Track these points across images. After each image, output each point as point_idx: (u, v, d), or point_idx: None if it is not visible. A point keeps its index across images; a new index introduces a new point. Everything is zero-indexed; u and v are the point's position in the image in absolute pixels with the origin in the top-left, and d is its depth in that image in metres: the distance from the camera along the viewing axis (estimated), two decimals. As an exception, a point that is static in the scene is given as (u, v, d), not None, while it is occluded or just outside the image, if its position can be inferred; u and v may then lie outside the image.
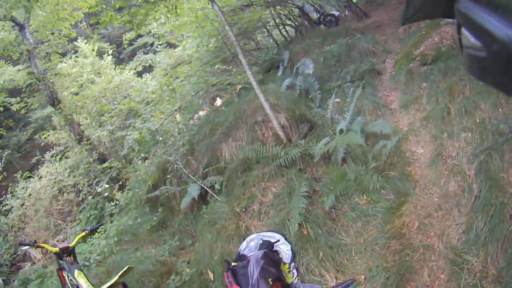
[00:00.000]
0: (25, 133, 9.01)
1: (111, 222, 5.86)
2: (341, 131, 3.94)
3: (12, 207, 7.56)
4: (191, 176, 4.89)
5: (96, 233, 5.25)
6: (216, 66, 10.05)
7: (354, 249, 3.01)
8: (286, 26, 11.26)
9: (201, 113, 9.91)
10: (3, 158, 8.09)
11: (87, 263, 4.31)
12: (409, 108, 4.71)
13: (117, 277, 2.49)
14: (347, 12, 11.64)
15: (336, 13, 10.42)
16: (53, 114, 8.59)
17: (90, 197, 7.51)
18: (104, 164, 7.92)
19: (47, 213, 7.61)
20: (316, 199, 3.54)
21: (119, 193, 6.97)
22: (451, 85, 4.24)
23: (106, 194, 7.09)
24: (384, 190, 3.37)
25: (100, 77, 10.59)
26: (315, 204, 3.49)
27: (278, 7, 10.51)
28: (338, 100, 5.05)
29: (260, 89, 4.48)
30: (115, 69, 11.53)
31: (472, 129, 3.44)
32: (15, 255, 3.21)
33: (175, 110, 8.37)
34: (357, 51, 6.45)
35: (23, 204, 7.65)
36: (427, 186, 3.23)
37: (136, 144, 6.43)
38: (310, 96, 5.39)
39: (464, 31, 0.46)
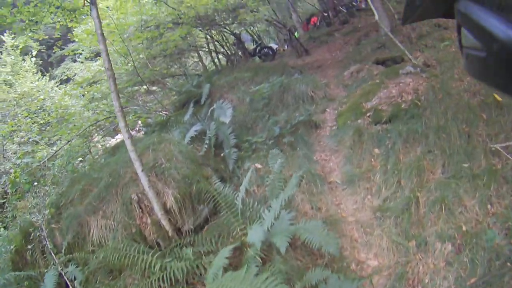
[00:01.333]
0: None
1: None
2: (253, 247, 2.26)
3: None
4: (53, 254, 3.36)
5: None
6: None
7: None
8: (219, 54, 9.89)
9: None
10: None
11: None
12: (356, 186, 3.36)
13: None
14: (286, 47, 10.82)
15: (274, 46, 9.43)
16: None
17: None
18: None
19: None
20: None
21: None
22: (419, 159, 3.01)
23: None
24: None
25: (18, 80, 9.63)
26: None
27: (213, 32, 9.21)
28: (259, 166, 3.55)
29: (135, 152, 2.76)
30: (37, 73, 10.67)
31: (453, 238, 2.26)
32: None
33: (59, 148, 6.40)
34: (292, 94, 5.11)
35: None
36: None
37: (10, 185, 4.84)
38: (222, 155, 3.80)
39: (464, 31, 0.46)
